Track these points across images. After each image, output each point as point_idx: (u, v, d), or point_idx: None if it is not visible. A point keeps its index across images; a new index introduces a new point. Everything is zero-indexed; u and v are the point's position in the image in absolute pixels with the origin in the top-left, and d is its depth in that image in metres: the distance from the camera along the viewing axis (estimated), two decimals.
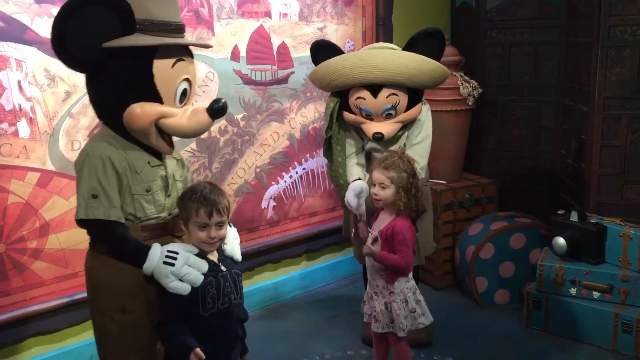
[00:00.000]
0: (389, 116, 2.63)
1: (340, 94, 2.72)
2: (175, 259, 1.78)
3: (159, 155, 1.94)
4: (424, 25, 3.98)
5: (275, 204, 3.51)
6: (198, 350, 1.77)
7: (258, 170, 3.40)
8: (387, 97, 2.58)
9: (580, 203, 3.36)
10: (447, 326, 2.97)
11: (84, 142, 2.70)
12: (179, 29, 1.86)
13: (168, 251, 1.81)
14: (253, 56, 3.26)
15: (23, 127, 2.54)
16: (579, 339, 3.00)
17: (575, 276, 3.03)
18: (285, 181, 3.54)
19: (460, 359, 2.87)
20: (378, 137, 2.62)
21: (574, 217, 3.07)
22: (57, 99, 2.61)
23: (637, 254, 2.90)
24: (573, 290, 3.04)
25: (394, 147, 2.72)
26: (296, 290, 3.63)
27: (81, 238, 2.72)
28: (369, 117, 2.65)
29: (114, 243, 1.85)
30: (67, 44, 1.71)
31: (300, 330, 3.18)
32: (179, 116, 1.85)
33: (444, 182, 3.64)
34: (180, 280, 1.78)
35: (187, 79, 1.88)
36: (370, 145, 2.78)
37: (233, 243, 2.01)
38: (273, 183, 3.48)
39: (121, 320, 1.88)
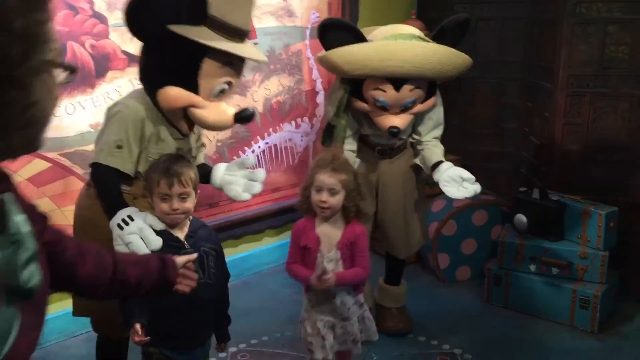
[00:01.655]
0: (405, 108, 2.46)
1: (352, 81, 2.49)
2: (127, 224, 1.81)
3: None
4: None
5: None
6: (137, 325, 1.70)
7: (219, 144, 3.31)
8: (410, 91, 2.39)
9: (542, 180, 3.37)
10: (408, 302, 2.97)
11: None
12: (243, 34, 1.95)
13: (128, 215, 1.83)
14: None
15: None
16: (538, 315, 3.04)
17: (535, 253, 3.05)
18: (247, 156, 3.45)
19: (420, 334, 2.88)
20: (394, 132, 2.42)
21: (535, 194, 3.09)
22: None
23: (596, 231, 2.93)
24: (533, 267, 3.07)
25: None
26: (258, 266, 3.58)
27: None
28: (384, 108, 2.45)
29: (104, 188, 1.93)
30: (139, 12, 1.83)
31: (261, 307, 3.14)
32: (208, 109, 1.94)
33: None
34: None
35: (229, 82, 1.96)
36: (370, 130, 2.62)
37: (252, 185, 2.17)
38: (235, 157, 3.39)
39: None
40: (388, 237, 2.81)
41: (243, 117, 1.99)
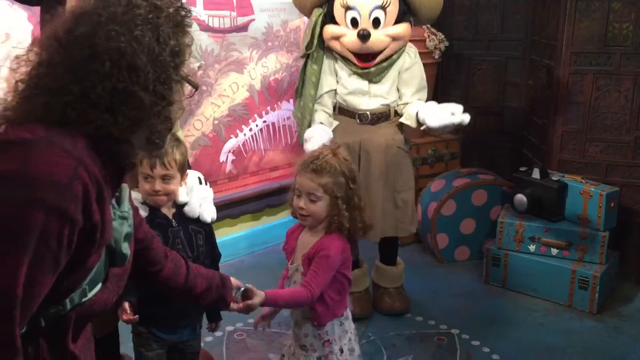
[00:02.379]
0: (376, 23, 2.48)
1: (326, 6, 2.56)
2: None
3: None
4: None
5: (235, 157, 3.40)
6: (126, 304, 1.70)
7: (216, 122, 3.27)
8: None
9: (543, 160, 3.34)
10: (407, 282, 2.95)
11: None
12: None
13: None
14: (211, 1, 3.08)
15: None
16: (536, 295, 3.02)
17: (535, 233, 3.02)
18: (244, 134, 3.42)
19: (418, 314, 2.87)
20: (364, 35, 2.44)
21: (535, 174, 3.05)
22: None
23: (596, 211, 2.90)
24: (532, 247, 3.04)
25: (380, 87, 2.57)
26: (255, 246, 3.56)
27: None
28: (355, 23, 2.49)
29: None
30: None
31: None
32: None
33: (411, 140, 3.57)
34: None
35: None
36: (351, 86, 2.59)
37: (199, 202, 1.89)
38: (232, 136, 3.36)
39: None
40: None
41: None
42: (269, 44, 3.40)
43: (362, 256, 2.88)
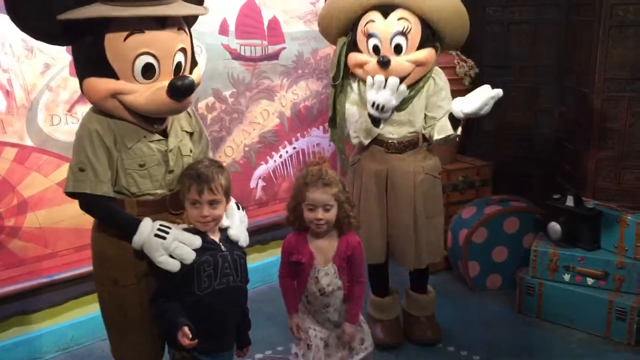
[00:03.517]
0: (398, 49, 2.42)
1: (350, 35, 2.53)
2: (167, 233, 1.75)
3: (163, 130, 1.85)
4: None
5: (265, 184, 3.42)
6: (186, 328, 1.72)
7: (247, 149, 3.31)
8: (398, 20, 2.39)
9: (577, 187, 3.28)
10: (438, 311, 2.90)
11: (64, 116, 2.60)
12: None
13: (161, 224, 1.77)
14: (242, 30, 3.14)
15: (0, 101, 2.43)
16: (572, 326, 2.94)
17: (570, 262, 2.96)
18: (274, 161, 3.45)
19: (449, 344, 2.82)
20: (384, 62, 2.36)
21: (569, 201, 3.00)
22: (35, 72, 2.50)
23: (633, 240, 2.83)
24: (567, 277, 2.97)
25: (407, 114, 2.51)
26: None
27: (61, 217, 2.64)
28: (377, 50, 2.43)
29: (103, 216, 1.83)
30: (20, 14, 1.64)
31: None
32: (139, 92, 1.71)
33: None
34: (171, 256, 1.74)
35: (149, 53, 1.69)
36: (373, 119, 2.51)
37: (239, 227, 1.94)
38: (262, 162, 3.39)
39: (114, 292, 1.87)
40: (395, 243, 2.65)
41: (175, 88, 1.69)
42: (299, 71, 3.44)
43: (392, 284, 2.86)
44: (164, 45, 1.72)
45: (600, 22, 3.09)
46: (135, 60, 1.68)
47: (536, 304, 3.06)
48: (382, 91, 2.37)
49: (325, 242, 2.03)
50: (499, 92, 2.32)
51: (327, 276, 2.02)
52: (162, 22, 1.71)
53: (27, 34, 1.72)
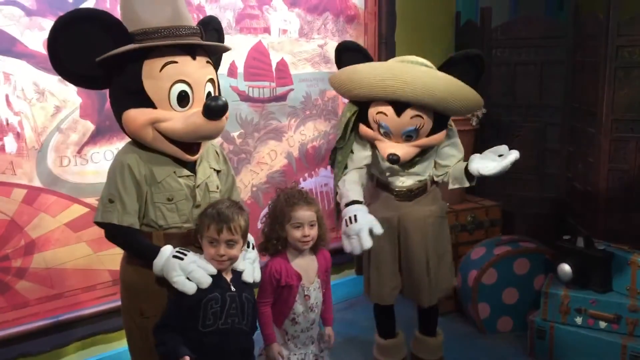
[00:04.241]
0: (408, 138, 2.34)
1: (360, 104, 2.44)
2: (185, 255, 1.80)
3: (191, 166, 1.93)
4: (428, 44, 3.96)
5: None
6: (187, 358, 1.72)
7: (254, 189, 3.31)
8: (411, 118, 2.28)
9: (587, 228, 3.25)
10: (446, 353, 2.85)
11: (73, 158, 2.63)
12: (177, 32, 1.81)
13: (179, 248, 1.83)
14: (251, 72, 3.19)
15: (10, 142, 2.46)
16: None
17: (582, 305, 2.90)
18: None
19: None
20: (393, 160, 2.32)
21: (580, 242, 2.96)
22: (46, 114, 2.54)
23: None
24: (579, 320, 2.91)
25: (416, 167, 2.50)
26: None
27: (67, 257, 2.65)
28: (387, 135, 2.37)
29: (126, 245, 1.91)
30: (62, 61, 1.78)
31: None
32: (176, 119, 1.81)
33: (447, 203, 3.53)
34: (188, 279, 1.78)
35: (184, 81, 1.81)
36: (385, 165, 2.50)
37: (252, 266, 1.98)
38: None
39: (140, 323, 1.91)
40: (411, 285, 2.62)
41: (210, 106, 1.78)
42: (307, 112, 3.47)
43: (399, 328, 2.81)
44: (195, 73, 1.84)
45: (606, 63, 3.10)
46: (171, 88, 1.80)
47: (548, 348, 2.99)
48: (353, 239, 2.26)
49: (305, 260, 2.16)
50: (516, 155, 2.27)
51: (315, 291, 2.16)
52: (192, 54, 1.84)
53: (67, 79, 1.87)
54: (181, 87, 1.81)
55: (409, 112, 2.27)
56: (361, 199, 2.41)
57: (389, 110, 2.30)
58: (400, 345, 2.79)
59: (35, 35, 2.46)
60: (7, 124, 2.45)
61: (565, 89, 3.68)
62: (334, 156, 2.58)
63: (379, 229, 2.25)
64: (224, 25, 3.01)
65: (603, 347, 2.82)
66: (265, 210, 2.30)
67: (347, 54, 2.48)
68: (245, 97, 3.18)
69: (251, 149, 3.26)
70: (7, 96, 2.43)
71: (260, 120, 3.27)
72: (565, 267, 2.95)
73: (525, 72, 3.81)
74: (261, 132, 3.28)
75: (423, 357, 2.78)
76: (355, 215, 2.27)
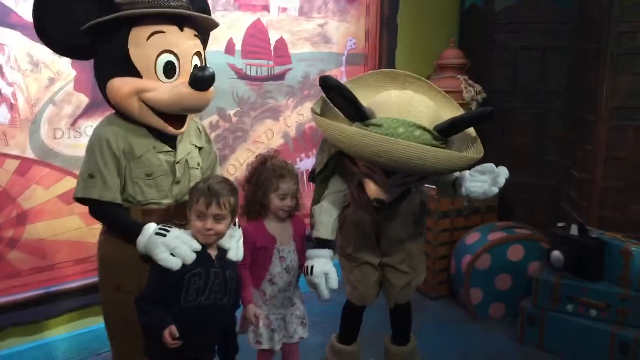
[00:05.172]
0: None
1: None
2: (167, 231, 1.78)
3: (172, 142, 1.90)
4: (431, 26, 3.92)
5: None
6: (173, 327, 1.72)
7: (249, 167, 3.31)
8: (402, 178, 2.03)
9: (583, 216, 3.23)
10: (436, 339, 2.85)
11: (67, 130, 2.64)
12: (165, 3, 1.78)
13: (162, 225, 1.81)
14: (249, 50, 3.17)
15: (3, 113, 2.47)
16: (574, 358, 2.87)
17: (573, 292, 2.89)
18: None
19: None
20: (378, 207, 2.06)
21: (573, 230, 2.94)
22: (40, 85, 2.54)
23: (638, 272, 2.76)
24: (570, 307, 2.91)
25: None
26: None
27: (59, 230, 2.66)
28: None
29: (109, 221, 1.89)
30: (47, 31, 1.77)
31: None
32: (161, 89, 1.78)
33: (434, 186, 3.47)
34: (172, 255, 1.76)
35: (170, 52, 1.78)
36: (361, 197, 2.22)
37: (237, 244, 1.97)
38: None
39: (116, 298, 1.89)
40: (394, 285, 2.42)
41: (196, 77, 1.75)
42: (305, 92, 3.45)
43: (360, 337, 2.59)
44: (183, 45, 1.81)
45: (607, 50, 3.05)
46: (157, 58, 1.77)
47: (538, 335, 2.99)
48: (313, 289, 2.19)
49: (281, 224, 2.25)
50: (506, 176, 2.15)
51: (290, 253, 2.25)
52: (180, 25, 1.82)
53: (52, 48, 1.84)
54: (168, 57, 1.78)
55: (399, 175, 2.01)
56: (329, 235, 2.21)
57: (378, 170, 2.00)
58: (358, 353, 2.59)
59: (30, 5, 2.44)
60: (1, 94, 2.45)
61: (567, 75, 3.64)
62: (313, 176, 2.32)
63: (334, 283, 2.14)
64: (222, 1, 3.01)
65: (593, 335, 2.81)
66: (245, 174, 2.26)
67: (336, 96, 1.96)
68: (242, 75, 3.16)
69: (247, 127, 3.25)
70: (0, 66, 2.43)
71: (258, 99, 3.26)
72: (558, 254, 2.94)
73: (527, 58, 3.77)
74: (258, 111, 3.27)
75: None
76: (312, 267, 2.14)
